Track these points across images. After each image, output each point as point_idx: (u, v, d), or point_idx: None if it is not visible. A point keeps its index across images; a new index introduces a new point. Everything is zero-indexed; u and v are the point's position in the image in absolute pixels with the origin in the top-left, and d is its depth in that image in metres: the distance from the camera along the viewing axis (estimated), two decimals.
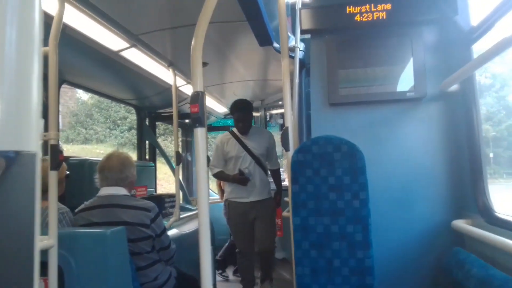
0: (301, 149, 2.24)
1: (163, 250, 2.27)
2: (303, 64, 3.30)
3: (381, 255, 2.27)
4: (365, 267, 2.07)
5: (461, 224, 2.23)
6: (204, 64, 3.91)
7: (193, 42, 1.42)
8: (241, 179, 3.59)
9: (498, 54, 1.71)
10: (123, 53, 3.12)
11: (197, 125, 1.42)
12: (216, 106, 6.07)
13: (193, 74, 1.43)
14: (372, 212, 2.14)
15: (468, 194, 2.28)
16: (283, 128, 2.50)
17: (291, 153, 2.29)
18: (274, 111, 6.55)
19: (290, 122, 2.51)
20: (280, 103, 6.14)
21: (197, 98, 1.41)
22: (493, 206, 2.11)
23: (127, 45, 2.96)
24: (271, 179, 3.96)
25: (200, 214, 1.41)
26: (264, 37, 3.20)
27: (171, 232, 2.81)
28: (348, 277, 2.08)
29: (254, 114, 6.70)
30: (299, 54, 2.90)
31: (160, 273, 2.24)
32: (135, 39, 2.92)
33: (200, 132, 1.43)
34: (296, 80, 3.02)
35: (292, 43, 3.33)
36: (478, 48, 2.17)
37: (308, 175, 2.20)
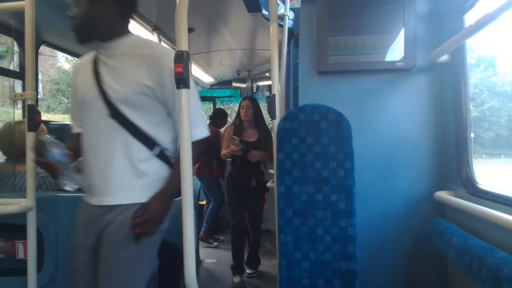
0: (288, 117, 2.20)
1: None
2: (292, 33, 3.22)
3: (363, 224, 2.29)
4: (348, 236, 2.08)
5: (443, 195, 2.25)
6: (191, 30, 3.80)
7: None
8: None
9: (488, 23, 1.68)
10: None
11: (181, 86, 1.37)
12: (203, 76, 5.95)
13: (178, 32, 1.37)
14: (356, 181, 2.14)
15: (452, 166, 2.29)
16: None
17: (277, 121, 2.25)
18: (261, 83, 6.48)
19: (277, 90, 2.46)
20: (267, 74, 6.05)
21: (182, 57, 1.36)
22: (476, 178, 2.13)
23: None
24: None
25: (183, 180, 1.38)
26: (253, 3, 3.10)
27: None
28: (330, 245, 2.09)
29: (240, 85, 6.63)
30: (288, 23, 2.83)
31: None
32: None
33: (184, 93, 1.38)
34: (285, 50, 2.95)
35: (281, 11, 3.25)
36: (471, 18, 2.13)
37: (294, 143, 2.17)
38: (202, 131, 1.65)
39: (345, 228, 2.10)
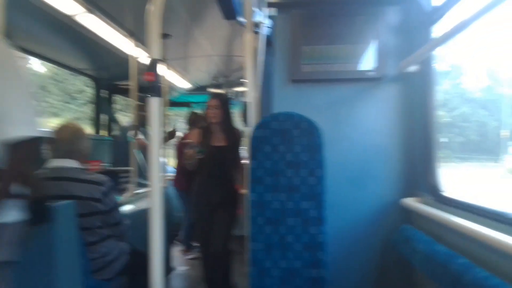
0: (261, 124, 2.22)
1: (115, 225, 2.20)
2: (270, 41, 3.25)
3: (333, 231, 2.32)
4: (318, 243, 2.11)
5: (410, 201, 2.32)
6: (167, 35, 3.78)
7: (151, 7, 1.35)
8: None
9: (454, 36, 1.74)
10: (78, 18, 2.95)
11: (152, 94, 1.37)
12: (180, 81, 5.93)
13: (150, 40, 1.37)
14: (327, 189, 2.17)
15: (419, 173, 2.36)
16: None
17: (251, 128, 2.27)
18: (238, 89, 6.49)
19: (252, 97, 2.48)
20: (244, 80, 6.06)
21: (154, 66, 1.36)
22: (442, 186, 2.20)
23: (83, 9, 2.80)
24: None
25: (152, 190, 1.37)
26: (229, 10, 3.10)
27: (126, 208, 2.74)
28: (300, 252, 2.12)
29: (218, 91, 6.61)
30: (265, 31, 2.86)
31: (112, 249, 2.18)
32: (92, 4, 2.76)
33: (154, 102, 1.38)
34: (260, 57, 2.97)
35: (258, 18, 3.27)
36: (439, 30, 2.20)
37: (266, 151, 2.19)
38: (24, 130, 1.42)
39: (315, 235, 2.13)
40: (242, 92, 6.20)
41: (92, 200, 2.05)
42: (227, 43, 4.41)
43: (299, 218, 2.15)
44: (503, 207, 1.64)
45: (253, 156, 2.20)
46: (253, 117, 2.42)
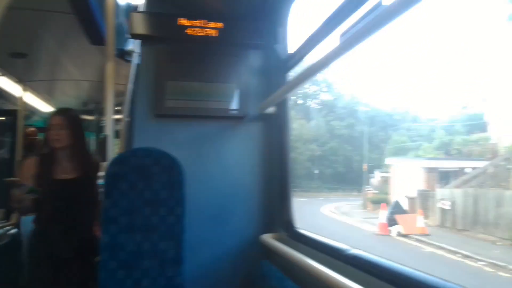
0: (117, 160, 2.09)
1: None
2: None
3: (194, 271, 2.26)
4: (175, 285, 2.03)
5: (267, 238, 2.39)
6: (22, 55, 3.42)
7: None
8: None
9: (302, 82, 1.90)
10: None
11: None
12: (43, 105, 5.40)
13: None
14: (188, 227, 2.12)
15: (276, 210, 2.47)
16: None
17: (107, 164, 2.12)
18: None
19: (110, 130, 2.35)
20: (120, 108, 5.79)
21: None
22: (295, 222, 2.32)
23: None
24: None
25: None
26: (95, 36, 2.95)
27: None
28: None
29: (88, 117, 6.19)
30: (137, 60, 2.77)
31: None
32: None
33: None
34: (131, 86, 2.87)
35: (130, 46, 3.16)
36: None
37: (122, 189, 2.06)
38: None
39: (172, 277, 2.04)
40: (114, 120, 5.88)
41: None
42: (98, 68, 4.17)
43: (156, 259, 2.04)
44: (340, 243, 1.80)
45: (108, 194, 2.05)
46: (111, 151, 2.28)
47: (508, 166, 19.12)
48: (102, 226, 2.02)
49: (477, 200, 16.56)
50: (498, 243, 14.77)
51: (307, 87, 65.70)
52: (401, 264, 1.41)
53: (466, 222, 17.13)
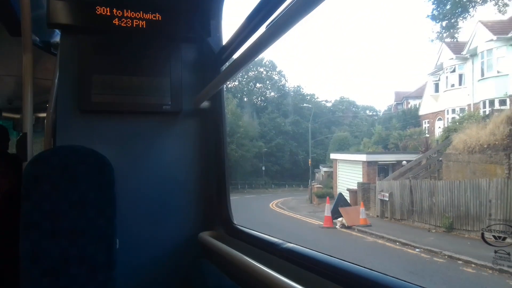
0: (37, 160, 1.92)
1: None
2: None
3: (128, 275, 2.14)
4: None
5: (205, 236, 2.32)
6: None
7: None
8: None
9: (233, 73, 1.85)
10: None
11: None
12: None
13: None
14: (120, 228, 2.00)
15: (214, 207, 2.41)
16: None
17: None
18: (42, 114, 5.75)
19: (29, 127, 2.16)
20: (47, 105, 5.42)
21: None
22: (233, 219, 2.28)
23: None
24: None
25: None
26: (15, 26, 2.71)
27: None
28: None
29: (14, 115, 5.76)
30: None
31: None
32: None
33: None
34: (56, 80, 2.67)
35: (56, 38, 2.94)
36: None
37: (44, 191, 1.88)
38: None
39: (104, 283, 1.91)
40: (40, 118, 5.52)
41: None
42: (21, 62, 3.86)
43: (84, 265, 1.90)
44: (276, 237, 1.78)
45: (26, 197, 1.87)
46: (31, 151, 2.10)
47: (439, 158, 20.50)
48: (21, 232, 1.84)
49: (412, 191, 17.60)
50: (432, 231, 15.83)
51: (253, 86, 66.40)
52: (332, 256, 1.42)
53: (403, 212, 18.17)
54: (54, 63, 3.02)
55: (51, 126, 2.69)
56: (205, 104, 2.41)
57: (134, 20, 2.28)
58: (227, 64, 2.24)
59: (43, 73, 3.97)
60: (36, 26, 2.43)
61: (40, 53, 3.13)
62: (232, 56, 2.23)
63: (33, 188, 1.88)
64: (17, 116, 5.70)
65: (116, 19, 2.24)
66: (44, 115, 5.81)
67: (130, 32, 2.28)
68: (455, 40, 21.60)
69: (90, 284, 1.90)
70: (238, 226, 2.20)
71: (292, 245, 1.62)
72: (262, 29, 1.58)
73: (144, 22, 2.30)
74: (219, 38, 2.46)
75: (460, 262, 11.23)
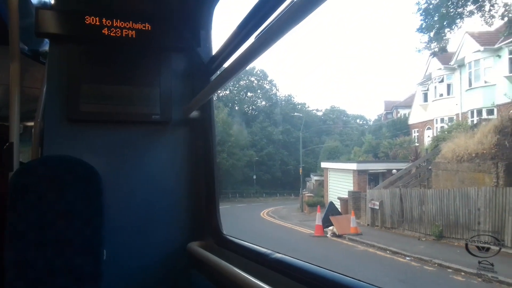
0: (24, 170, 1.90)
1: None
2: None
3: (116, 286, 2.11)
4: None
5: (194, 246, 2.30)
6: None
7: None
8: None
9: (223, 83, 1.85)
10: None
11: None
12: None
13: None
14: (108, 240, 1.97)
15: (203, 217, 2.39)
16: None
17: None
18: (29, 123, 5.69)
19: (16, 137, 2.14)
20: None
21: None
22: (222, 229, 2.26)
23: None
24: None
25: None
26: (2, 34, 2.70)
27: None
28: None
29: (3, 123, 5.66)
30: None
31: None
32: None
33: None
34: (44, 90, 2.65)
35: (46, 47, 2.92)
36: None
37: (30, 201, 1.86)
38: None
39: None
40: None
41: None
42: (6, 70, 3.82)
43: (70, 276, 1.87)
44: (265, 247, 1.78)
45: (13, 207, 1.84)
46: (17, 160, 2.07)
47: (429, 167, 20.68)
48: (6, 242, 1.81)
49: (402, 199, 17.70)
50: (422, 239, 15.90)
51: (244, 95, 66.57)
52: (321, 266, 1.42)
53: (394, 220, 18.25)
54: (42, 72, 3.00)
55: (39, 135, 2.66)
56: (195, 113, 2.41)
57: (124, 30, 2.28)
58: (218, 73, 2.25)
59: (31, 81, 3.94)
60: (25, 34, 2.42)
61: (28, 62, 3.12)
62: (222, 66, 2.24)
63: (19, 198, 1.86)
64: (6, 124, 5.63)
65: (106, 28, 2.24)
66: (32, 124, 5.77)
67: (120, 42, 2.28)
68: (441, 53, 21.88)
69: None
70: (227, 236, 2.18)
71: (281, 255, 1.61)
72: (251, 39, 1.60)
73: (133, 32, 2.30)
74: (209, 48, 2.47)
75: (450, 270, 11.28)
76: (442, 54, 23.02)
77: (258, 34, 1.45)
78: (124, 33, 2.27)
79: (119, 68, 2.34)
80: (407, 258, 13.09)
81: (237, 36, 1.85)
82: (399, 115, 41.64)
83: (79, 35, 2.23)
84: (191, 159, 2.49)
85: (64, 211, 1.91)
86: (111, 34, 2.24)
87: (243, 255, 1.86)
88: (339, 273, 1.32)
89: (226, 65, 2.08)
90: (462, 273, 10.80)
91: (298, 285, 1.40)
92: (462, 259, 11.62)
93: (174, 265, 2.37)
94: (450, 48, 23.50)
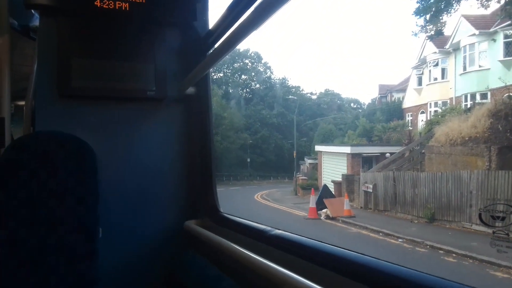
0: (15, 145, 1.83)
1: None
2: None
3: (111, 265, 2.07)
4: (89, 281, 1.83)
5: (191, 225, 2.26)
6: None
7: None
8: None
9: (220, 57, 1.79)
10: None
11: None
12: None
13: None
14: (103, 218, 1.93)
15: (200, 195, 2.35)
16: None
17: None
18: (22, 102, 5.58)
19: (7, 112, 2.07)
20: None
21: None
22: (220, 207, 2.23)
23: None
24: None
25: None
26: None
27: None
28: None
29: None
30: None
31: None
32: None
33: None
34: (35, 67, 2.57)
35: (36, 22, 2.83)
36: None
37: (22, 178, 1.80)
38: None
39: (84, 274, 1.84)
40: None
41: None
42: None
43: (63, 255, 1.83)
44: (265, 224, 1.75)
45: (2, 185, 1.79)
46: (8, 136, 2.01)
47: (422, 150, 20.83)
48: None
49: (395, 182, 17.85)
50: (414, 221, 16.12)
51: (238, 77, 66.11)
52: (320, 241, 1.40)
53: (387, 203, 18.45)
54: (33, 49, 2.91)
55: (30, 113, 2.59)
56: (191, 90, 2.34)
57: (117, 2, 2.18)
58: (215, 46, 2.18)
59: (22, 59, 3.84)
60: (14, 9, 2.33)
61: (18, 38, 3.01)
62: (219, 40, 2.16)
63: (10, 175, 1.80)
64: None
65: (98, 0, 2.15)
66: (23, 103, 5.66)
67: (112, 14, 2.19)
68: (437, 36, 21.73)
69: (69, 274, 1.83)
70: (225, 214, 2.15)
71: (280, 231, 1.59)
72: (250, 11, 1.53)
73: (127, 4, 2.20)
74: (205, 22, 2.39)
75: (441, 252, 11.48)
76: (438, 37, 22.92)
77: (257, 5, 1.38)
78: (117, 5, 2.17)
79: (112, 43, 2.25)
80: (400, 240, 13.29)
81: (235, 8, 1.77)
82: (393, 99, 41.68)
83: (70, 7, 2.13)
84: (187, 136, 2.43)
85: (56, 188, 1.86)
86: (104, 6, 2.14)
87: (242, 232, 1.83)
88: (338, 247, 1.30)
89: (223, 39, 2.01)
90: (454, 255, 11.00)
91: (299, 260, 1.38)
92: (453, 241, 11.83)
93: (171, 244, 2.34)
94: (446, 31, 23.41)
